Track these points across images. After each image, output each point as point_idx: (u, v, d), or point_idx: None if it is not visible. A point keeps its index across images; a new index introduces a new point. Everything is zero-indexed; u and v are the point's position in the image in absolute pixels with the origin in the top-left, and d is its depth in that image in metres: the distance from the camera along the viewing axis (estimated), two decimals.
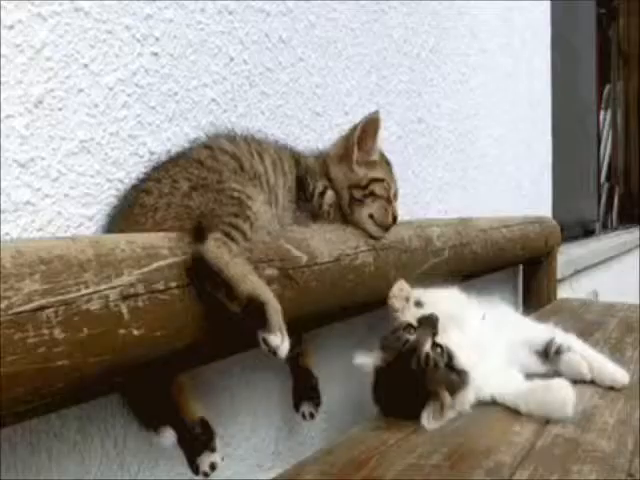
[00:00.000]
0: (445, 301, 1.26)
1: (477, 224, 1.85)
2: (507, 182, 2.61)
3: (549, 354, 1.35)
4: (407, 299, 1.22)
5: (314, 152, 1.25)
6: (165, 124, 1.07)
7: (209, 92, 1.16)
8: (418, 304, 1.21)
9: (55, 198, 0.89)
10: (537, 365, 1.35)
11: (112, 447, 0.97)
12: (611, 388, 1.30)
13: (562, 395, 1.13)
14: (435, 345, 1.11)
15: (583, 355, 1.36)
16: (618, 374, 1.32)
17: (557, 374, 1.34)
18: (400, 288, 1.24)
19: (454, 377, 1.11)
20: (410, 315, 1.17)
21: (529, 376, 1.26)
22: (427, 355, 1.10)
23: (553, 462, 0.94)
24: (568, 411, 1.11)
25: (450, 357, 1.11)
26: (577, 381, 1.31)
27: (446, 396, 1.09)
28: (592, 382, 1.31)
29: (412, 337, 1.12)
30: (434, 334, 1.13)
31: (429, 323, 1.14)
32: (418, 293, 1.24)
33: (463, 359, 1.12)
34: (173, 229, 0.87)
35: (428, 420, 1.07)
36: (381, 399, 1.14)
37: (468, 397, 1.14)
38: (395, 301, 1.21)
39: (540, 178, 3.03)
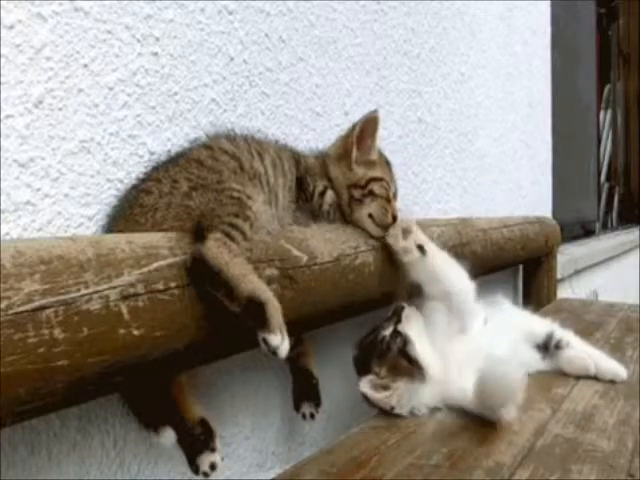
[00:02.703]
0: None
1: (477, 224, 1.85)
2: (507, 182, 2.61)
3: (549, 348, 1.37)
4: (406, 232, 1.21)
5: (314, 152, 1.25)
6: (165, 124, 1.07)
7: (209, 92, 1.16)
8: (421, 248, 1.21)
9: (55, 198, 0.89)
10: (537, 361, 1.36)
11: (112, 447, 0.98)
12: (611, 382, 1.31)
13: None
14: (396, 332, 1.14)
15: (583, 350, 1.37)
16: (618, 368, 1.34)
17: (558, 370, 1.36)
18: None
19: (402, 362, 1.13)
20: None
21: (530, 373, 1.27)
22: (383, 338, 1.14)
23: (553, 462, 0.95)
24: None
25: (405, 343, 1.13)
26: (580, 377, 1.33)
27: (383, 371, 1.11)
28: (594, 377, 1.34)
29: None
30: (397, 322, 1.16)
31: (395, 312, 1.19)
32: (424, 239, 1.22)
33: (421, 350, 1.14)
34: (173, 229, 0.87)
35: (365, 386, 1.10)
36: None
37: (421, 392, 1.13)
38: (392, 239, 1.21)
39: (540, 178, 3.03)
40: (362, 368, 1.15)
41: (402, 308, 1.19)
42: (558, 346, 1.37)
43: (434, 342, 1.17)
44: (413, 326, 1.17)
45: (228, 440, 1.18)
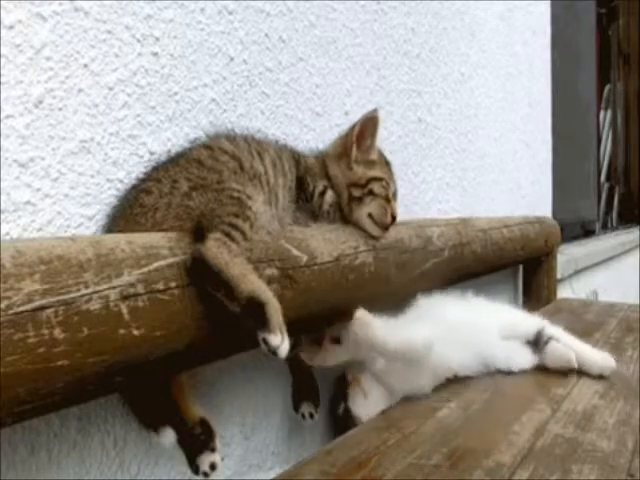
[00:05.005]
0: None
1: (477, 224, 1.85)
2: (507, 182, 2.61)
3: (539, 344, 1.37)
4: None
5: (314, 152, 1.25)
6: (165, 124, 1.07)
7: (209, 92, 1.16)
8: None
9: (55, 198, 0.89)
10: (527, 359, 1.37)
11: (112, 447, 0.98)
12: (600, 377, 1.32)
13: None
14: (346, 412, 1.22)
15: (569, 344, 1.38)
16: (605, 360, 1.34)
17: (544, 366, 1.36)
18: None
19: None
20: None
21: (520, 370, 1.30)
22: (339, 417, 1.23)
23: (553, 462, 0.95)
24: None
25: (355, 422, 1.20)
26: (568, 372, 1.34)
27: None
28: (580, 372, 1.36)
29: None
30: (345, 400, 1.24)
31: (340, 389, 1.28)
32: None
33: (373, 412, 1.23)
34: (173, 229, 0.87)
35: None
36: None
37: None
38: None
39: (540, 178, 3.03)
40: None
41: (347, 386, 1.25)
42: (548, 342, 1.37)
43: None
44: (360, 398, 1.22)
45: (228, 440, 1.18)
